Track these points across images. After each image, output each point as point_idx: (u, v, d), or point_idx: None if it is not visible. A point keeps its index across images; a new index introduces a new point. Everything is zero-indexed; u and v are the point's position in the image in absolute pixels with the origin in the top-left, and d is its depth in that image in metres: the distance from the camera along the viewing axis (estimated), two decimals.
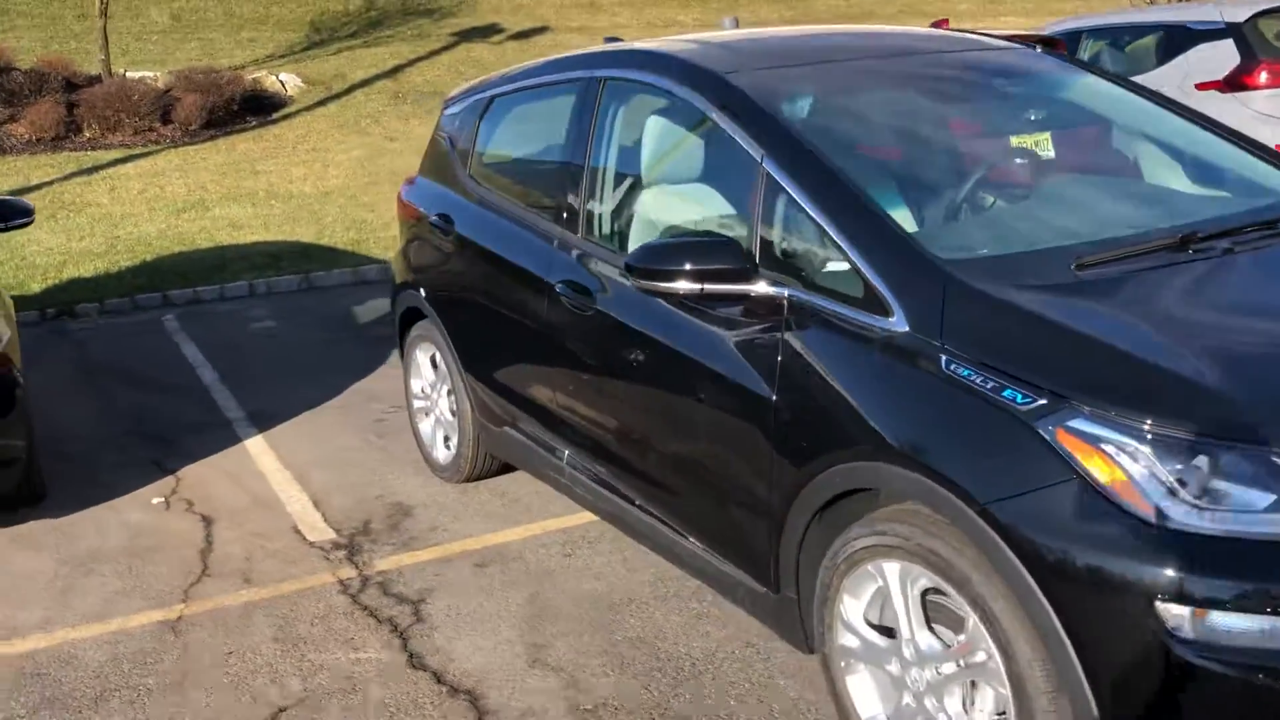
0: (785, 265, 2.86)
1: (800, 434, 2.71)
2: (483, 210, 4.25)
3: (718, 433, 2.98)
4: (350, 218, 10.86)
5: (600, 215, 3.61)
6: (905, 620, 2.54)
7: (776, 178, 2.90)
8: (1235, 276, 2.66)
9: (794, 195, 2.85)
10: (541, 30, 19.45)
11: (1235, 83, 7.88)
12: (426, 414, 4.94)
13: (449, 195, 4.50)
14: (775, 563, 2.88)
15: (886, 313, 2.57)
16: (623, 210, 3.55)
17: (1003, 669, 2.30)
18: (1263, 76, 7.79)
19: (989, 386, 2.32)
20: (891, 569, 2.54)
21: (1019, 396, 2.27)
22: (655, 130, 3.46)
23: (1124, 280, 2.55)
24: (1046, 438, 2.20)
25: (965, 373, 2.37)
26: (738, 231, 3.02)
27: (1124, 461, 2.12)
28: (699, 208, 3.26)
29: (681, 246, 2.93)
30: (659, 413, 3.22)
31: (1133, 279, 2.56)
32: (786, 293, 2.80)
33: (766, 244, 2.91)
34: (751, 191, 2.98)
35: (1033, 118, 3.46)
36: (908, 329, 2.51)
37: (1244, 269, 2.68)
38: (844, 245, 2.70)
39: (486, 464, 4.65)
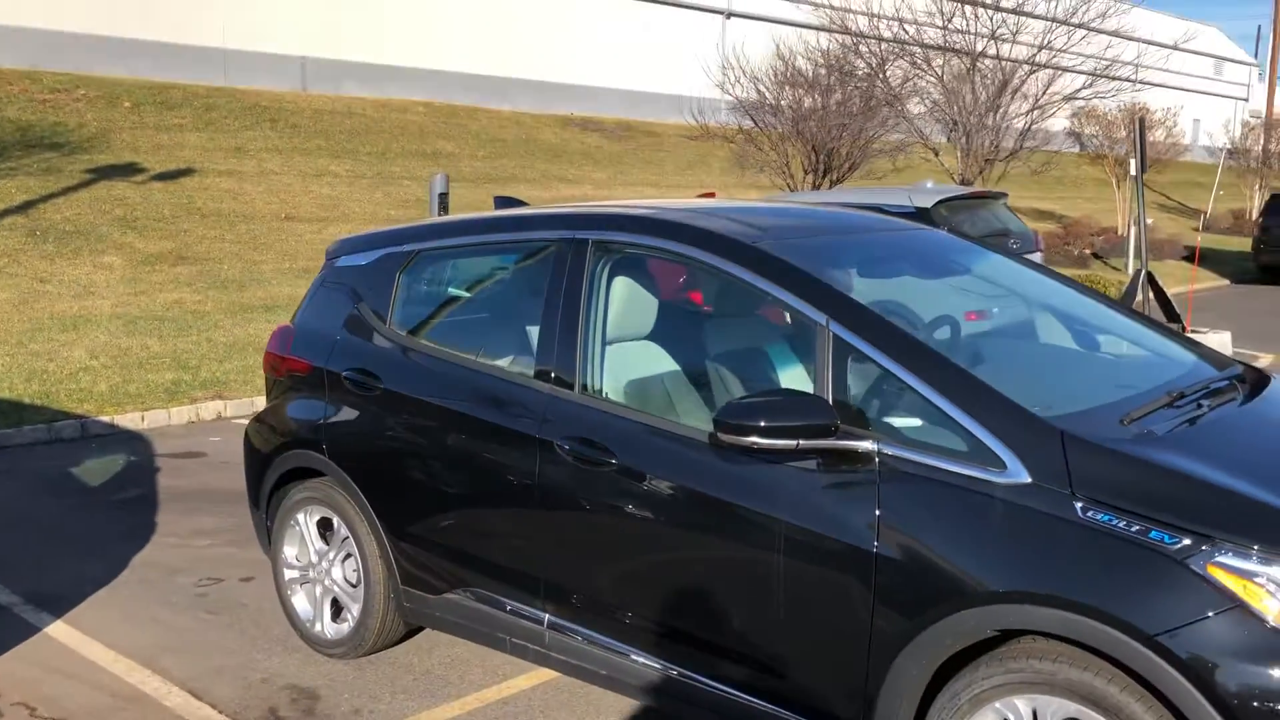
0: (866, 420, 3.05)
1: (911, 583, 2.87)
2: (421, 367, 4.08)
3: (799, 588, 3.06)
4: (26, 368, 9.67)
5: (609, 375, 3.61)
6: None
7: (846, 339, 3.11)
8: (1256, 424, 3.19)
9: (870, 355, 3.08)
10: (188, 172, 18.53)
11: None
12: (302, 584, 4.54)
13: (365, 349, 4.27)
14: (868, 710, 2.98)
15: (998, 465, 2.82)
16: (643, 370, 3.59)
17: None
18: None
19: (1134, 530, 2.62)
20: (1025, 703, 2.74)
21: (1165, 537, 2.59)
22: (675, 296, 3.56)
23: (1181, 431, 2.99)
24: (1199, 573, 2.53)
25: (1104, 518, 2.66)
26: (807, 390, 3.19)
27: (1274, 590, 2.48)
28: (749, 370, 3.38)
29: (774, 404, 3.04)
30: (714, 569, 3.24)
31: (1188, 429, 3.00)
32: (877, 447, 2.98)
33: (841, 401, 3.09)
34: (816, 353, 3.16)
35: (999, 294, 3.95)
36: (1029, 480, 2.78)
37: (1255, 419, 3.22)
38: (939, 402, 2.95)
39: (391, 635, 4.35)
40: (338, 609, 4.45)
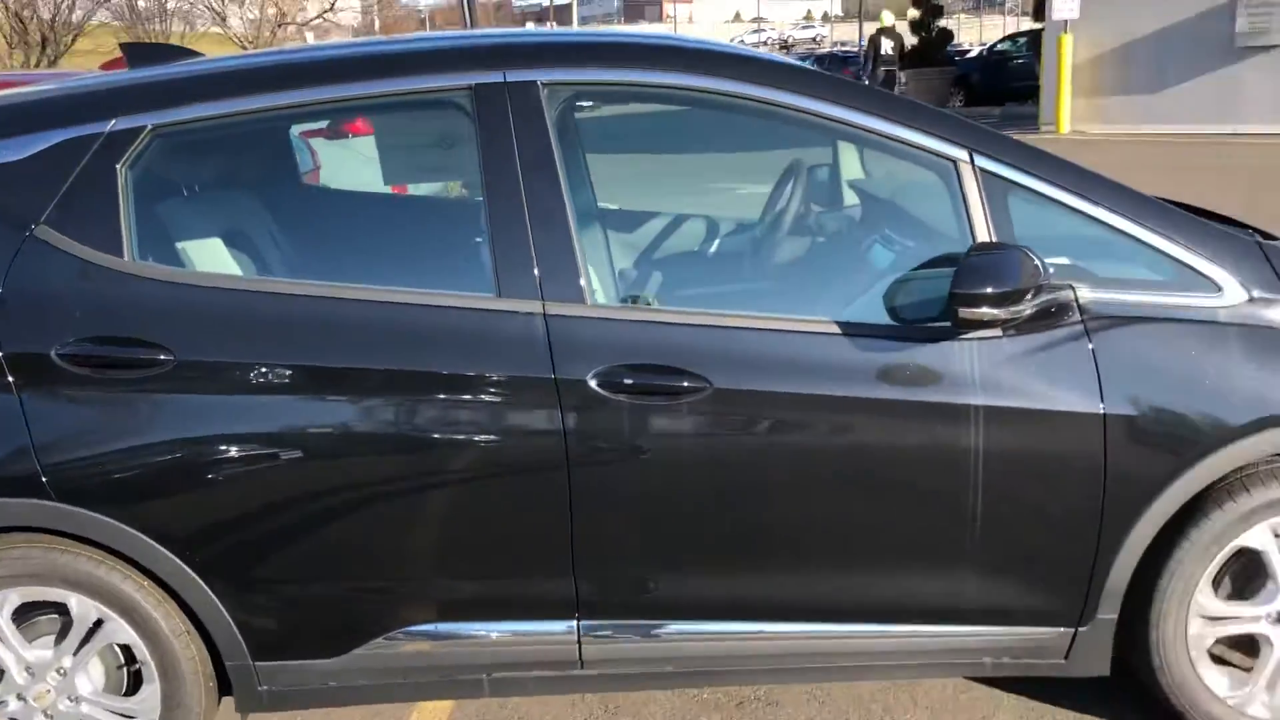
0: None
1: (1155, 435, 2.54)
2: (257, 316, 2.48)
3: (1003, 475, 2.54)
4: None
5: (635, 274, 2.56)
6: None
7: (1003, 174, 2.57)
8: None
9: (1035, 188, 2.58)
10: None
11: (339, 131, 8.11)
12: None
13: (94, 306, 2.44)
14: (1092, 591, 2.63)
15: (1214, 288, 2.58)
16: (677, 258, 2.58)
17: None
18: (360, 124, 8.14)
19: None
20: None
21: None
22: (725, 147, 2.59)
23: None
24: None
25: None
26: (959, 239, 2.57)
27: None
28: (876, 228, 2.60)
29: (1007, 261, 2.39)
30: (878, 489, 2.55)
31: None
32: (1074, 294, 2.54)
33: None
34: (961, 194, 2.56)
35: None
36: (1248, 296, 2.59)
37: None
38: (1135, 232, 2.60)
39: None
40: None
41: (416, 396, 2.47)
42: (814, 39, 59.88)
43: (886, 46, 21.48)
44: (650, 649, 2.65)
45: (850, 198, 3.45)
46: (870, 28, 24.31)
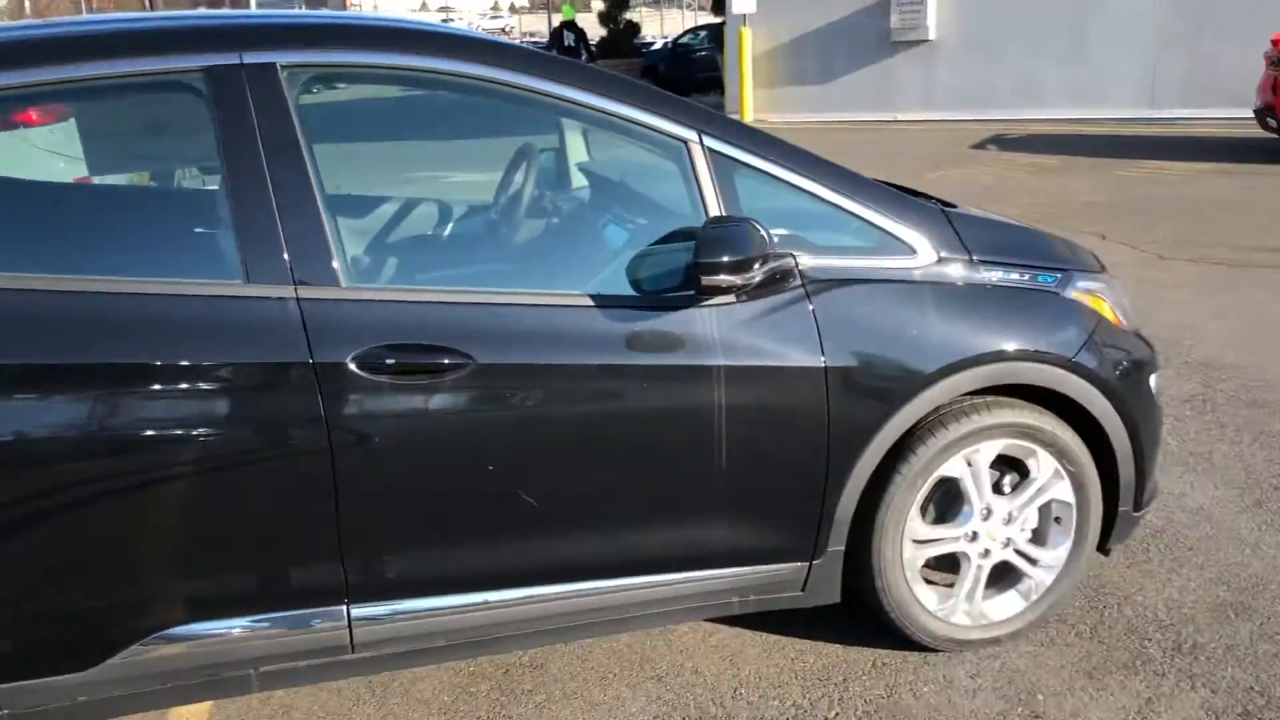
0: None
1: (868, 383, 2.83)
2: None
3: (743, 427, 2.76)
4: None
5: (384, 253, 2.58)
6: (978, 493, 3.03)
7: (729, 154, 2.78)
8: None
9: (757, 166, 2.82)
10: None
11: (9, 121, 7.50)
12: None
13: None
14: (822, 526, 2.91)
15: (910, 251, 2.92)
16: (428, 239, 2.61)
17: (1069, 482, 3.08)
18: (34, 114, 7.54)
19: (1026, 278, 3.01)
20: (978, 455, 2.98)
21: (1047, 278, 3.04)
22: (458, 129, 2.65)
23: None
24: (1071, 299, 3.05)
25: (1001, 274, 2.99)
26: (689, 214, 2.75)
27: (1108, 299, 3.14)
28: (610, 206, 2.72)
29: (740, 233, 2.59)
30: (628, 448, 2.70)
31: None
32: (795, 262, 2.80)
33: None
34: (692, 172, 2.76)
35: None
36: (937, 257, 2.93)
37: None
38: (844, 204, 2.88)
39: None
40: None
41: (157, 389, 2.39)
42: (503, 29, 60.11)
43: (569, 39, 21.97)
44: (421, 626, 2.70)
45: (579, 179, 3.60)
46: (557, 19, 24.72)
